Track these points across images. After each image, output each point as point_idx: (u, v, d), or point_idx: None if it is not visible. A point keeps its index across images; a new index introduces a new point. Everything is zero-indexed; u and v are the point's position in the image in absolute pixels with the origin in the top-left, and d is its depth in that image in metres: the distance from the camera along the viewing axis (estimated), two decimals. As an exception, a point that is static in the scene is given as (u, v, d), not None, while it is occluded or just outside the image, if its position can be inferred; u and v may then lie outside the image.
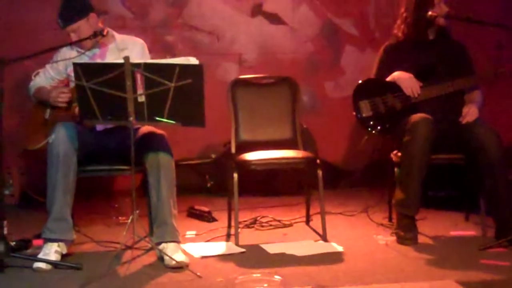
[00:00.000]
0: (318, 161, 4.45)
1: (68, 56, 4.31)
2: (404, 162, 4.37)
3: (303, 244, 4.32)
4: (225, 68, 6.20)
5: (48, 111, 4.36)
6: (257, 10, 6.25)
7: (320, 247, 4.25)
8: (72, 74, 3.87)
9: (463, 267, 3.83)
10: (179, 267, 3.81)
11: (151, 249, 4.09)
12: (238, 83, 4.84)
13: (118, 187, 5.86)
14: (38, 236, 4.18)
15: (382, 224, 4.78)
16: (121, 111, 3.76)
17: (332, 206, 5.22)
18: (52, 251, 3.92)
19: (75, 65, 3.79)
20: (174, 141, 4.21)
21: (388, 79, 4.58)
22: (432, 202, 5.17)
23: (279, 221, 4.90)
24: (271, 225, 4.84)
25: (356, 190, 5.92)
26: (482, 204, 4.46)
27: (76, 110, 4.07)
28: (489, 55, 5.79)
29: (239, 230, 4.44)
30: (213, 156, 6.04)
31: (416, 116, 4.35)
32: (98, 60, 4.30)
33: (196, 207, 5.16)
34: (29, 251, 4.20)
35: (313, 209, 4.81)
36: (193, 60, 3.75)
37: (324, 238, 4.38)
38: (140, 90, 3.74)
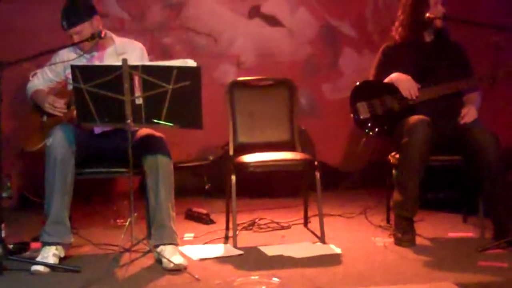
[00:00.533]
0: (316, 163, 4.45)
1: (67, 58, 4.31)
2: (402, 164, 4.37)
3: (301, 246, 4.32)
4: (223, 70, 6.19)
5: (45, 116, 4.35)
6: (254, 12, 6.25)
7: (318, 249, 4.25)
8: (70, 77, 3.87)
9: (461, 269, 3.83)
10: (177, 270, 3.81)
11: (149, 251, 4.08)
12: (236, 85, 4.84)
13: (116, 190, 5.85)
14: (36, 239, 4.18)
15: (380, 226, 4.78)
16: (118, 113, 3.76)
17: (330, 208, 5.21)
18: (50, 254, 3.92)
19: (73, 67, 3.79)
20: (172, 143, 4.20)
21: (386, 80, 4.59)
22: (430, 204, 5.17)
23: (277, 223, 4.89)
24: (269, 227, 4.84)
25: (354, 192, 5.91)
26: (481, 206, 4.45)
27: (74, 112, 4.07)
28: (487, 56, 5.79)
29: (237, 232, 4.44)
30: (211, 158, 6.03)
31: (414, 118, 4.35)
32: (96, 63, 4.30)
33: (194, 209, 5.16)
34: (27, 254, 4.19)
35: (311, 211, 4.81)
36: (190, 63, 3.75)
37: (322, 240, 4.38)
38: (137, 93, 3.74)
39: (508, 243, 4.16)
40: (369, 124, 4.56)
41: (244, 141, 4.75)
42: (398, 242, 4.33)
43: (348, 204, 5.50)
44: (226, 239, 4.56)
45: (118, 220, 5.02)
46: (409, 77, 4.53)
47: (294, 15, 6.30)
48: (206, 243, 4.46)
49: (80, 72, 3.76)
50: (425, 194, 4.74)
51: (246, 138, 4.76)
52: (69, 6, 4.28)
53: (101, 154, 4.26)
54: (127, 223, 3.84)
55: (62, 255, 4.00)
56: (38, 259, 3.90)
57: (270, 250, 4.23)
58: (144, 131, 4.21)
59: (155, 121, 3.79)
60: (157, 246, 3.97)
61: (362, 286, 3.58)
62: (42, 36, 5.57)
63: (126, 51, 4.30)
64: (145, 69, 3.72)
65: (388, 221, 4.79)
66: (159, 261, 3.95)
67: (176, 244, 4.03)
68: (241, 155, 4.51)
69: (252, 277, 3.68)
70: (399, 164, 4.40)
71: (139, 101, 3.76)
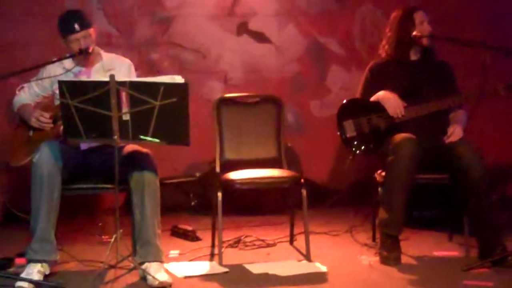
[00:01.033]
0: (302, 180, 4.45)
1: (53, 73, 4.29)
2: (387, 182, 4.38)
3: (286, 264, 4.31)
4: (211, 86, 6.19)
5: (31, 131, 4.33)
6: (243, 29, 6.26)
7: (303, 267, 4.25)
8: (58, 92, 3.86)
9: (446, 288, 3.84)
10: (162, 287, 3.79)
11: (134, 268, 4.06)
12: (223, 102, 4.84)
13: (102, 206, 5.83)
14: (20, 255, 4.15)
15: (366, 244, 4.78)
16: (105, 129, 3.75)
17: (317, 226, 5.20)
18: (35, 271, 3.89)
19: (60, 82, 3.78)
20: (159, 159, 4.19)
21: (372, 99, 4.60)
22: (415, 222, 5.16)
23: (263, 240, 4.89)
24: (255, 245, 4.83)
25: (341, 210, 5.91)
26: (466, 225, 4.46)
27: (61, 128, 4.06)
28: (473, 74, 5.82)
29: (223, 249, 4.43)
30: (198, 174, 6.02)
31: (400, 136, 4.36)
32: (84, 78, 4.29)
33: (180, 226, 5.14)
34: (11, 269, 4.16)
35: (297, 228, 4.80)
36: (178, 79, 3.75)
37: (308, 258, 4.38)
38: (125, 109, 3.74)
39: (493, 262, 4.17)
40: (356, 142, 4.56)
41: (230, 158, 4.74)
42: (384, 260, 4.33)
43: (334, 221, 5.49)
44: (211, 256, 4.55)
45: (103, 236, 5.00)
46: (395, 96, 4.54)
47: (282, 32, 6.31)
48: (191, 260, 4.44)
49: (67, 88, 3.76)
50: (410, 212, 4.75)
51: (232, 155, 4.76)
52: (75, 11, 4.32)
53: (87, 170, 4.24)
54: (113, 240, 3.83)
55: (47, 272, 3.97)
56: (23, 275, 3.88)
57: (256, 268, 4.22)
58: (130, 147, 4.20)
59: (142, 137, 3.79)
60: (142, 263, 3.96)
61: (347, 304, 3.58)
62: (30, 51, 5.56)
63: (114, 67, 4.29)
64: (132, 85, 3.73)
65: (374, 239, 4.79)
66: (144, 278, 3.93)
67: (161, 261, 4.02)
68: (227, 172, 4.51)
69: (237, 295, 3.68)
70: (385, 182, 4.41)
71: (126, 117, 3.75)
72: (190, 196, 5.97)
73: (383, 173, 4.47)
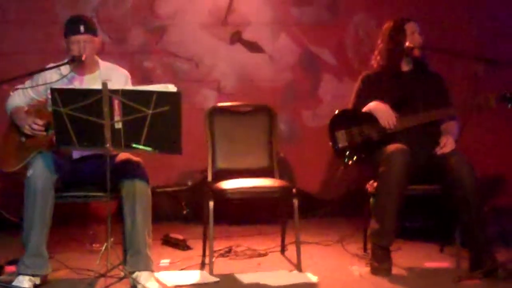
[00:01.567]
0: (294, 190, 4.44)
1: (49, 78, 4.25)
2: (379, 192, 4.38)
3: (277, 274, 4.31)
4: (204, 95, 6.20)
5: (23, 138, 4.31)
6: (236, 38, 6.27)
7: (294, 277, 4.24)
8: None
9: (437, 299, 3.84)
10: (152, 296, 3.79)
11: (124, 277, 4.04)
12: (215, 111, 4.84)
13: (93, 214, 5.81)
14: (10, 263, 4.14)
15: (357, 255, 4.78)
16: (98, 137, 3.75)
17: (308, 236, 5.19)
18: (26, 279, 3.89)
19: (53, 90, 3.77)
20: (151, 168, 4.19)
21: (364, 109, 4.60)
22: (407, 233, 5.16)
23: (254, 250, 4.88)
24: (246, 254, 4.82)
25: (332, 220, 5.91)
26: (457, 236, 4.46)
27: (54, 138, 4.04)
28: (465, 85, 5.84)
29: (214, 259, 4.42)
30: (190, 183, 6.02)
31: (392, 147, 4.37)
32: (77, 83, 4.27)
33: (171, 235, 5.13)
34: (1, 277, 4.14)
35: (289, 238, 4.79)
36: (171, 88, 3.75)
37: (298, 268, 4.37)
38: (117, 117, 3.73)
39: (484, 273, 4.16)
40: (348, 153, 4.57)
41: (223, 167, 4.74)
42: (375, 271, 4.33)
43: (325, 232, 5.49)
44: (202, 265, 4.54)
45: (94, 245, 4.98)
46: (387, 106, 4.55)
47: (275, 42, 6.32)
48: (182, 269, 4.44)
49: (60, 95, 3.75)
50: (402, 223, 4.75)
51: (225, 164, 4.75)
52: (85, 16, 4.36)
53: (80, 179, 4.23)
54: (103, 248, 3.82)
55: (38, 283, 3.96)
56: (14, 283, 3.86)
57: (247, 278, 4.21)
58: (123, 155, 4.19)
59: (134, 145, 3.78)
60: (133, 272, 3.95)
61: (337, 315, 3.58)
62: (26, 59, 5.56)
63: (110, 78, 4.22)
64: (125, 93, 3.72)
65: (365, 249, 4.79)
66: (134, 287, 3.92)
67: (151, 271, 4.01)
68: (219, 181, 4.50)
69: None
70: (377, 192, 4.41)
71: (119, 125, 3.74)
72: (182, 205, 5.96)
73: (375, 184, 4.47)
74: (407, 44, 4.61)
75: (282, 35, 6.32)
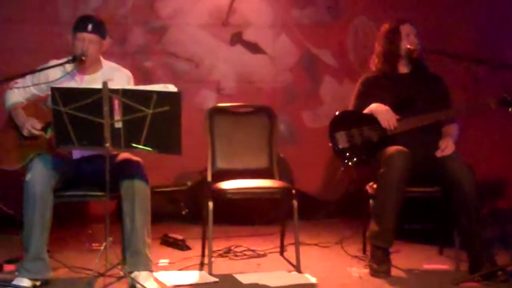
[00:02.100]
0: (293, 191, 4.44)
1: (53, 75, 4.22)
2: (379, 194, 4.38)
3: (276, 275, 4.30)
4: (204, 96, 6.20)
5: (22, 138, 4.28)
6: (236, 39, 6.27)
7: (293, 278, 4.24)
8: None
9: (436, 301, 3.84)
10: (151, 296, 3.79)
11: (123, 276, 4.04)
12: (215, 111, 4.84)
13: (92, 213, 5.81)
14: (9, 262, 4.13)
15: (356, 256, 4.77)
16: (97, 137, 3.74)
17: (307, 237, 5.20)
18: (25, 278, 3.88)
19: (53, 89, 3.76)
20: (150, 168, 4.19)
21: (365, 111, 4.60)
22: (406, 235, 5.16)
23: (253, 251, 4.88)
24: (245, 255, 4.82)
25: (331, 221, 5.91)
26: (456, 238, 4.46)
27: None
28: (466, 88, 5.84)
29: (213, 259, 4.42)
30: (189, 183, 6.02)
31: (392, 149, 4.37)
32: (77, 78, 4.26)
33: (170, 235, 5.13)
34: (0, 276, 4.14)
35: (288, 239, 4.79)
36: (171, 88, 3.75)
37: (298, 269, 4.37)
38: (117, 116, 3.73)
39: (483, 276, 4.16)
40: (348, 154, 4.56)
41: (222, 167, 4.74)
42: (374, 273, 4.33)
43: (324, 233, 5.49)
44: (201, 265, 4.53)
45: (93, 244, 4.98)
46: (388, 108, 4.55)
47: (276, 43, 6.33)
48: (181, 269, 4.43)
49: (60, 95, 3.74)
50: (401, 225, 4.75)
51: (224, 164, 4.75)
52: (97, 17, 4.33)
53: (80, 179, 4.21)
54: (102, 248, 3.81)
55: (38, 284, 3.95)
56: (13, 283, 3.85)
57: (245, 278, 4.21)
58: (123, 155, 4.18)
59: (134, 145, 3.78)
60: (132, 271, 3.94)
61: (336, 316, 3.58)
62: (24, 57, 5.56)
63: (112, 78, 4.21)
64: (125, 93, 3.72)
65: (364, 251, 4.79)
66: (133, 286, 3.92)
67: (150, 271, 4.00)
68: (219, 182, 4.50)
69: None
70: (377, 194, 4.41)
71: (119, 125, 3.74)
72: (181, 205, 5.96)
73: (375, 185, 4.47)
74: (407, 46, 4.61)
75: (283, 36, 6.32)
